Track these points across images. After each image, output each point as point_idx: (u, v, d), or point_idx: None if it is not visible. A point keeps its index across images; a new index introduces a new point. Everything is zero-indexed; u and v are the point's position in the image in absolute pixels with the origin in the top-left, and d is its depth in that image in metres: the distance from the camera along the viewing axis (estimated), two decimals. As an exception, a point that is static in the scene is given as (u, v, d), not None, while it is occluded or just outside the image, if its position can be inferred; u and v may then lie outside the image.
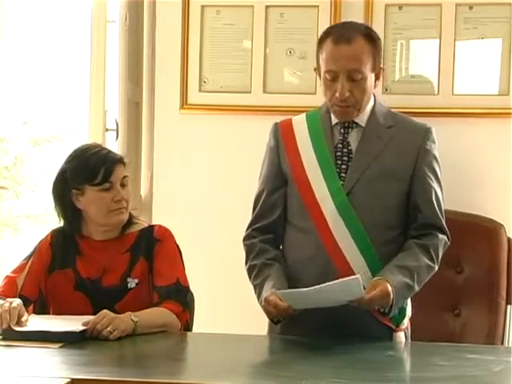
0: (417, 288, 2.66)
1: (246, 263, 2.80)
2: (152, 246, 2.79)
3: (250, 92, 3.78)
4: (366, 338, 2.58)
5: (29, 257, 2.82)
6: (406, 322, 2.76)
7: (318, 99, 3.71)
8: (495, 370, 2.28)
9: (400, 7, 3.67)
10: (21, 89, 5.53)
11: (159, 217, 3.73)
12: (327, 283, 2.48)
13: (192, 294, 2.89)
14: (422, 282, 2.68)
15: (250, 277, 2.78)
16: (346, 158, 2.72)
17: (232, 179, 3.80)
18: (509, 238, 3.19)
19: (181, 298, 2.73)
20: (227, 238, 3.78)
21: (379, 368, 2.31)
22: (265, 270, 2.73)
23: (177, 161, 3.86)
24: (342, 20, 3.66)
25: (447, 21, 3.62)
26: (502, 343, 3.09)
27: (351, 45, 2.64)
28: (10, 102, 5.09)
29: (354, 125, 2.75)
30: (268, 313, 2.63)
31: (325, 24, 3.67)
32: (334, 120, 2.77)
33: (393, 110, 2.83)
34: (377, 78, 2.72)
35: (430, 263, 2.68)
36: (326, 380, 2.12)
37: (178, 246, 2.84)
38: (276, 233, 2.82)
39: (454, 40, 3.63)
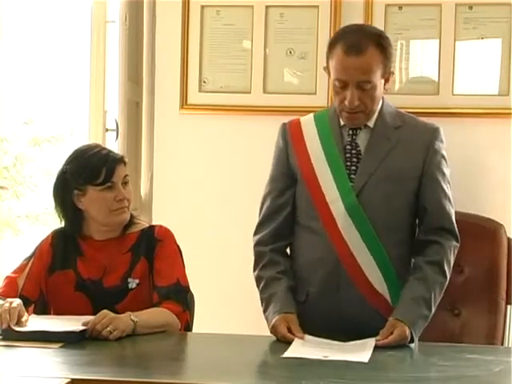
0: (433, 312, 2.66)
1: (255, 270, 2.78)
2: (153, 247, 2.79)
3: (250, 92, 3.78)
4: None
5: (29, 257, 2.82)
6: None
7: (318, 99, 3.73)
8: (495, 370, 2.28)
9: (400, 7, 3.67)
10: (21, 89, 5.53)
11: (159, 217, 3.73)
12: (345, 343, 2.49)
13: (192, 294, 2.88)
14: (438, 302, 2.68)
15: (257, 286, 2.76)
16: (355, 159, 2.71)
17: (232, 179, 3.80)
18: (509, 238, 3.18)
19: (181, 298, 2.72)
20: (227, 237, 3.79)
21: (379, 368, 2.31)
22: (272, 285, 2.71)
23: (177, 161, 3.86)
24: (343, 20, 3.66)
25: (447, 21, 3.62)
26: (502, 343, 3.09)
27: (362, 56, 2.59)
28: (11, 102, 5.09)
29: (363, 126, 2.72)
30: (275, 337, 2.60)
31: (325, 24, 3.68)
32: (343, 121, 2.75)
33: (401, 110, 2.81)
34: (386, 81, 2.69)
35: (443, 280, 2.67)
36: (325, 380, 2.12)
37: (178, 246, 2.84)
38: (285, 236, 2.79)
39: (454, 40, 3.63)
